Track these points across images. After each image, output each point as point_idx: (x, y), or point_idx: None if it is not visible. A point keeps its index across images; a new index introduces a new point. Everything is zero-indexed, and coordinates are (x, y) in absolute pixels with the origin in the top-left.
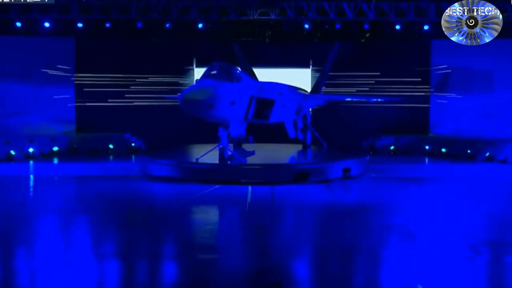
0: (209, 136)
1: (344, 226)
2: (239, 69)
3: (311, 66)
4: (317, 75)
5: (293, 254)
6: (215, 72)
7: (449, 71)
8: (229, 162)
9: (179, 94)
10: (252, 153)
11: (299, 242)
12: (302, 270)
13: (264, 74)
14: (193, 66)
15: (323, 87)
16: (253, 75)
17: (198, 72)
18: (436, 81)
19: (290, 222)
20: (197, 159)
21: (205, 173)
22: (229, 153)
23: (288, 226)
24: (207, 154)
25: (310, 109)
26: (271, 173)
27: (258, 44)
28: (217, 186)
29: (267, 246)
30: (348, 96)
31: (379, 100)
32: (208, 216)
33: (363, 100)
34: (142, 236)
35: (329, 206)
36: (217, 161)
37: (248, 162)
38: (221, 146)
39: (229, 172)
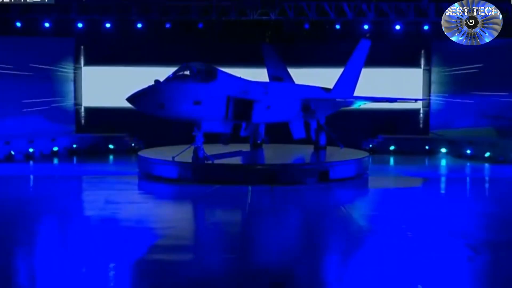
0: (209, 135)
1: (337, 227)
2: (220, 68)
3: (422, 66)
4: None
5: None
6: (181, 72)
7: (449, 71)
8: (205, 162)
9: None
10: (236, 153)
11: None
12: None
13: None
14: (81, 65)
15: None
16: (285, 75)
17: (86, 71)
18: (436, 81)
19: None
20: (173, 157)
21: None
22: (204, 153)
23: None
24: (183, 153)
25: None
26: (238, 174)
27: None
28: (218, 186)
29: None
30: (372, 97)
31: (402, 99)
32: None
33: (385, 99)
34: (140, 234)
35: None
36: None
37: (215, 162)
38: (194, 146)
39: (199, 171)
